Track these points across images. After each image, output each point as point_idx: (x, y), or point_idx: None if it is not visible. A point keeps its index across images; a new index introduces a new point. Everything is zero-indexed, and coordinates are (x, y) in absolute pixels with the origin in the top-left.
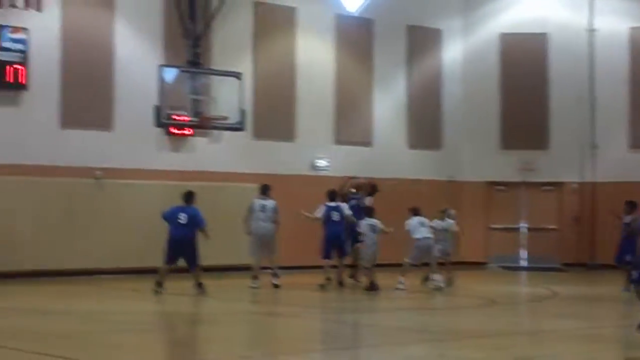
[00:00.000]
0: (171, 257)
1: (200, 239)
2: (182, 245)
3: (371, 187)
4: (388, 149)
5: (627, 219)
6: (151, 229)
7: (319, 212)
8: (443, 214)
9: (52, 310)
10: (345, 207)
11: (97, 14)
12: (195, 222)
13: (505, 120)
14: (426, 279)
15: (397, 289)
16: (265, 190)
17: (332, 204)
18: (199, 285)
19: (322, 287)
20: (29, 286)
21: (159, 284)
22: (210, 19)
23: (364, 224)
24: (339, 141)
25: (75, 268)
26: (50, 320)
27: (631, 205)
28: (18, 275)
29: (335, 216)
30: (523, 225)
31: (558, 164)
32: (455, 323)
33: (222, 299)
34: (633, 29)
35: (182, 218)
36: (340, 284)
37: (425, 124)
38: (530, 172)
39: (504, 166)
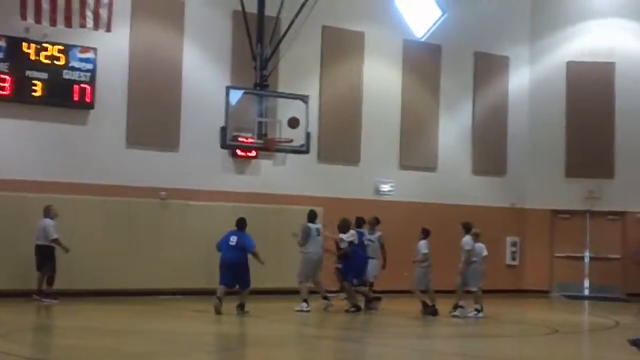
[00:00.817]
0: (224, 278)
1: (252, 262)
2: (232, 266)
3: (375, 220)
4: (452, 175)
5: None
6: (214, 250)
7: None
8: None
9: (123, 330)
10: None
11: (166, 34)
12: (244, 245)
13: (570, 148)
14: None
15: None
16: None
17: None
18: (241, 307)
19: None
20: (93, 305)
21: (219, 299)
22: (279, 42)
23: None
24: (404, 166)
25: (138, 288)
26: (123, 340)
27: None
28: (82, 294)
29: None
30: (587, 255)
31: (623, 193)
32: (519, 351)
33: (280, 320)
34: None
35: (233, 240)
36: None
37: (490, 150)
38: (595, 200)
39: (569, 194)
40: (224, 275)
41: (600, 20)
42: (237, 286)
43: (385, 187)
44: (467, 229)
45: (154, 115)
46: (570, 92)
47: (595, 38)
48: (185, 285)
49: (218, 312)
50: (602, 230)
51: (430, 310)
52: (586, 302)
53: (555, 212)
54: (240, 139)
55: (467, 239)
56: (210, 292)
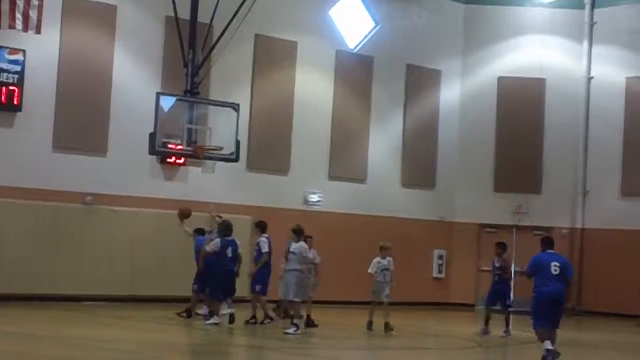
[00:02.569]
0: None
1: None
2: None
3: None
4: (381, 187)
5: (498, 261)
6: (139, 257)
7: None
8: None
9: (42, 336)
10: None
11: (97, 38)
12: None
13: (499, 163)
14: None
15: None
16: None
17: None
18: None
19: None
20: (17, 309)
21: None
22: (211, 49)
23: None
24: (333, 176)
25: (62, 293)
26: (42, 345)
27: (502, 247)
28: (5, 298)
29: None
30: (512, 269)
31: (550, 208)
32: None
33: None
34: (629, 78)
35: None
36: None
37: (420, 163)
38: (522, 215)
39: (496, 209)
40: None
41: (532, 36)
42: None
43: (314, 198)
44: (261, 228)
45: (82, 119)
46: (500, 107)
47: (526, 54)
48: (110, 292)
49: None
50: (528, 245)
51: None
52: (511, 316)
53: (483, 226)
54: (169, 145)
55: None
56: (134, 299)
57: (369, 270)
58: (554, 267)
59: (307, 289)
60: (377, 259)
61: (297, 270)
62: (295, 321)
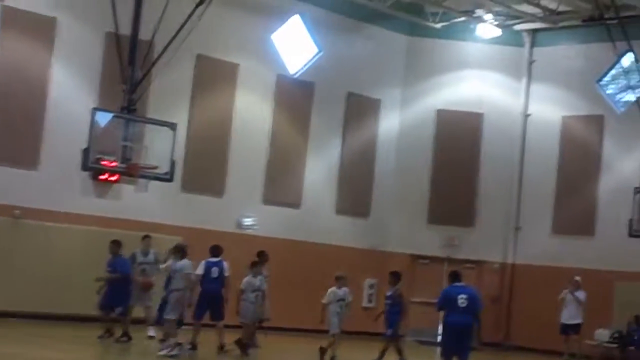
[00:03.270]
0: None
1: None
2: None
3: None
4: (316, 213)
5: (390, 291)
6: (69, 274)
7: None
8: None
9: None
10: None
11: (35, 50)
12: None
13: (434, 195)
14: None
15: None
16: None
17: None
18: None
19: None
20: None
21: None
22: (150, 67)
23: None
24: (268, 201)
25: None
26: None
27: (394, 277)
28: None
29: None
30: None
31: (482, 242)
32: None
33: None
34: (565, 117)
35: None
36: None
37: (355, 191)
38: (455, 248)
39: (430, 240)
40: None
41: (472, 71)
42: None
43: (248, 221)
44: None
45: (14, 131)
46: (438, 139)
47: (465, 88)
48: (38, 309)
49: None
50: None
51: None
52: (438, 349)
53: (415, 257)
54: (103, 162)
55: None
56: (62, 318)
57: (323, 301)
58: (461, 300)
59: (185, 308)
60: (333, 289)
61: (178, 290)
62: (170, 341)
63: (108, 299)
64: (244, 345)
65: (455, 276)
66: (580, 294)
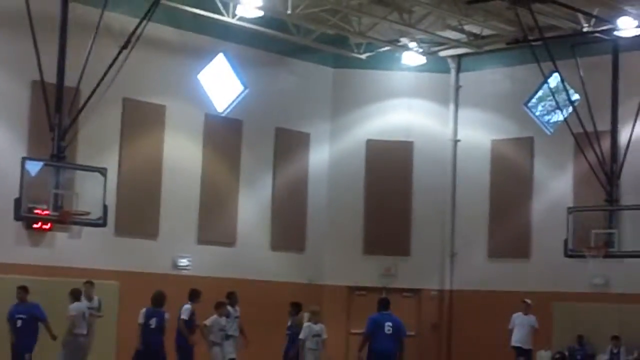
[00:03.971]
0: None
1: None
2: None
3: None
4: (251, 250)
5: (290, 321)
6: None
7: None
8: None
9: None
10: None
11: None
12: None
13: (368, 226)
14: None
15: None
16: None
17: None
18: None
19: None
20: None
21: None
22: (78, 113)
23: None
24: (202, 240)
25: None
26: None
27: (294, 308)
28: None
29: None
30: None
31: (418, 271)
32: None
33: None
34: (494, 141)
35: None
36: None
37: (289, 226)
38: (391, 278)
39: (366, 271)
40: None
41: (399, 100)
42: None
43: (183, 262)
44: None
45: None
46: (369, 170)
47: (394, 117)
48: None
49: None
50: (397, 307)
51: None
52: None
53: (352, 289)
54: (35, 210)
55: (75, 305)
56: None
57: (300, 337)
58: (388, 328)
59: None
60: (309, 324)
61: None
62: None
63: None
64: None
65: (384, 304)
66: (531, 318)
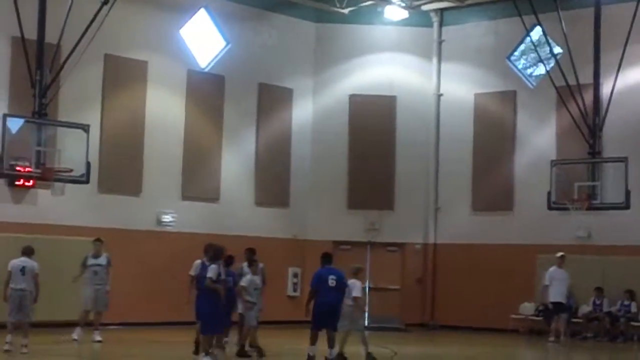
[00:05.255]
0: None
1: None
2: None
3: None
4: (235, 206)
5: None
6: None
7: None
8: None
9: None
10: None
11: None
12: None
13: (352, 180)
14: None
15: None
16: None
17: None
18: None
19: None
20: None
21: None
22: (59, 70)
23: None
24: (186, 196)
25: None
26: None
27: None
28: None
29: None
30: (367, 285)
31: (402, 225)
32: None
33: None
34: (477, 94)
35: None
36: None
37: (273, 182)
38: (376, 232)
39: (350, 226)
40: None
41: (382, 54)
42: None
43: (167, 218)
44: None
45: None
46: (352, 124)
47: (376, 72)
48: None
49: None
50: (382, 261)
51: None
52: (366, 333)
53: (337, 244)
54: (17, 168)
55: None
56: None
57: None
58: (331, 281)
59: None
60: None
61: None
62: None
63: None
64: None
65: (327, 259)
66: (566, 272)
